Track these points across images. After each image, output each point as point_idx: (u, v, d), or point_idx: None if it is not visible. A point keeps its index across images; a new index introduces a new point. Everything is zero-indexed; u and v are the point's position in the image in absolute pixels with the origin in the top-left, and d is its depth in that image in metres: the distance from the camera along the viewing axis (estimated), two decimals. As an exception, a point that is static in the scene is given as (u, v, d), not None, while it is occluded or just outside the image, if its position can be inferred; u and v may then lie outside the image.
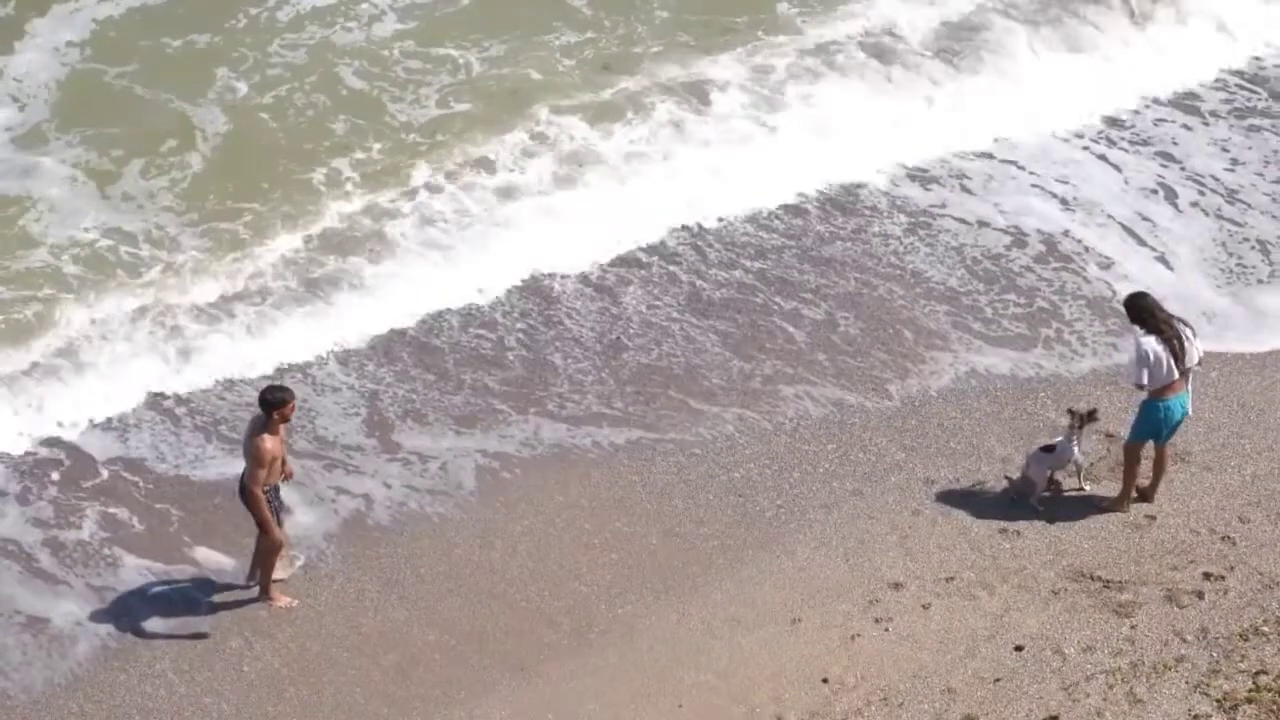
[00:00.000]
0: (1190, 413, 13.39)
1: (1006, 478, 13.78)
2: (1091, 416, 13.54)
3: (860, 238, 16.90)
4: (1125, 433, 13.83)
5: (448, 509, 13.77)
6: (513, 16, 19.58)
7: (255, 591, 12.93)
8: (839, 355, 15.43)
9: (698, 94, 18.51)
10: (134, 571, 13.13)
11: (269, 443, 12.36)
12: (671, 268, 16.47)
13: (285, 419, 12.51)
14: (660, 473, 14.09)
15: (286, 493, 13.12)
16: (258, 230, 16.58)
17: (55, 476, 13.95)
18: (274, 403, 12.41)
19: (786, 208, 17.24)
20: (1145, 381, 13.03)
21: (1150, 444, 13.41)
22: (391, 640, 12.66)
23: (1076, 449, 13.49)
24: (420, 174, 17.35)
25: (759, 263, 16.54)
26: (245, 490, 12.48)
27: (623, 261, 16.51)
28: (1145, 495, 13.56)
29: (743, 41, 19.45)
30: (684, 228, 16.92)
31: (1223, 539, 13.16)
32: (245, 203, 16.89)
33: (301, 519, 13.53)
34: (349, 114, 18.07)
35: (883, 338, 15.63)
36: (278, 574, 12.91)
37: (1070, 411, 13.58)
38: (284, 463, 12.67)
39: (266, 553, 12.74)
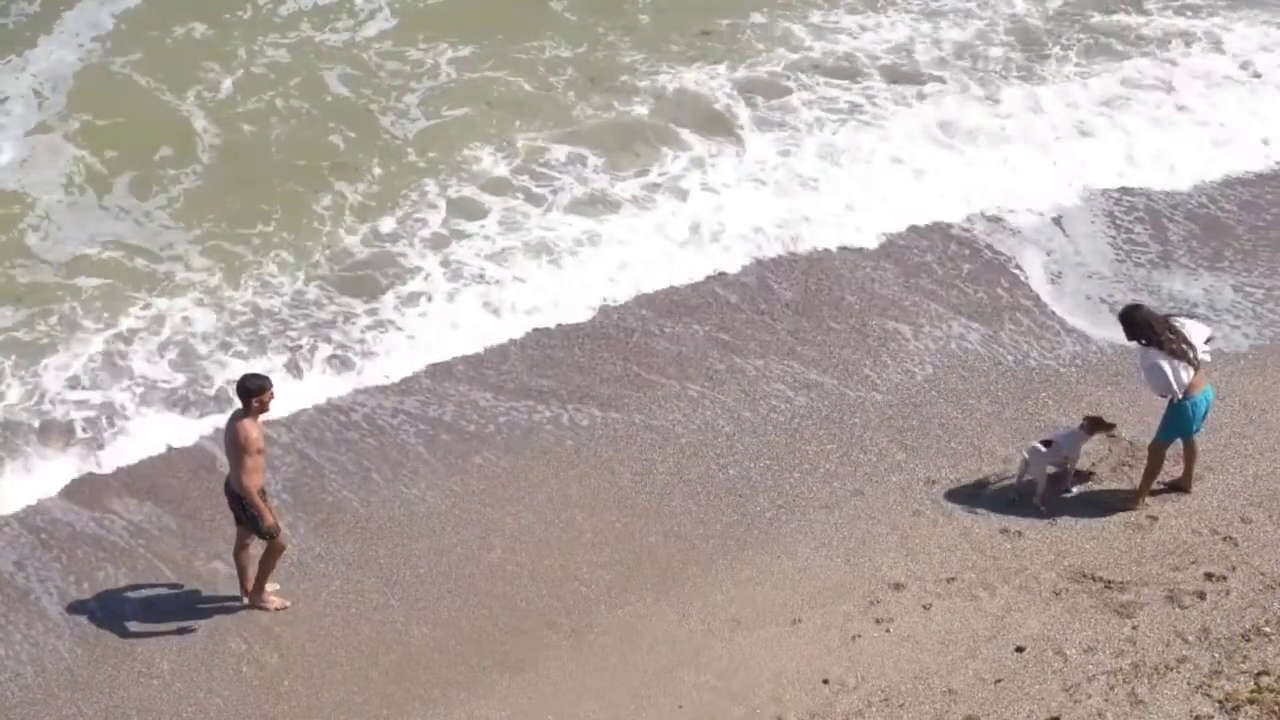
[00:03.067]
0: (1213, 399, 13.42)
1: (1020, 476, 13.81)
2: (1103, 424, 13.60)
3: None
4: (1126, 432, 13.83)
5: (431, 497, 13.80)
6: (509, 21, 19.70)
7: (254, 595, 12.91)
8: (788, 324, 15.58)
9: (691, 105, 18.53)
10: (133, 568, 13.13)
11: (255, 430, 12.25)
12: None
13: (265, 407, 12.38)
14: (660, 472, 14.07)
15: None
16: (261, 249, 16.51)
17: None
18: (253, 389, 12.30)
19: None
20: (1177, 388, 13.02)
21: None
22: (390, 640, 12.63)
23: (1078, 444, 13.52)
24: (416, 192, 17.24)
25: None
26: (234, 492, 12.41)
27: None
28: (1181, 486, 13.54)
29: (726, 49, 19.53)
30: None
31: (1224, 539, 13.13)
32: (247, 227, 16.80)
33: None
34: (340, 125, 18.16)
35: (826, 300, 15.86)
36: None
37: (1087, 418, 13.65)
38: None
39: (269, 554, 12.64)
